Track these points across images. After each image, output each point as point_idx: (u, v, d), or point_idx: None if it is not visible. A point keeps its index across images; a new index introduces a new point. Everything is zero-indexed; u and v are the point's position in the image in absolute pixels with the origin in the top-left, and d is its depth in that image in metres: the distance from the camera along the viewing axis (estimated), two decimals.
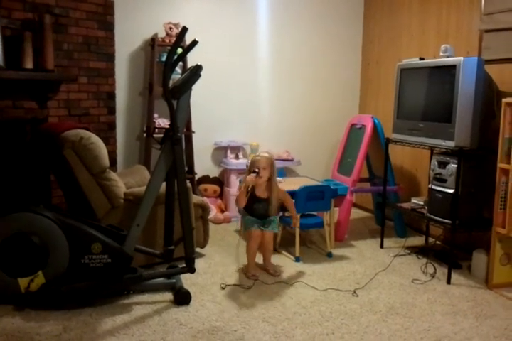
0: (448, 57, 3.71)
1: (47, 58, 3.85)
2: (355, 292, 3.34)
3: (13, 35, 3.78)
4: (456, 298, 3.28)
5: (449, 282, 3.52)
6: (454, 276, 3.58)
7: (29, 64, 3.78)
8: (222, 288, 3.36)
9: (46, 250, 2.95)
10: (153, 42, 4.67)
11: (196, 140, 4.94)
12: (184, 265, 3.22)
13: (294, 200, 3.77)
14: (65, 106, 4.22)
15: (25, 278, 2.94)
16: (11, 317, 2.86)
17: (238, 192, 3.56)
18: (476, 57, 3.55)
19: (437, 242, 4.23)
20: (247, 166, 3.79)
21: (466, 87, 3.46)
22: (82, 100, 4.33)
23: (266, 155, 3.53)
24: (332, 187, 4.07)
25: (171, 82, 3.19)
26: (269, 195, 3.56)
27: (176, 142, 3.04)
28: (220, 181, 5.21)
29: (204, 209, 3.90)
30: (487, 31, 3.84)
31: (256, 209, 3.58)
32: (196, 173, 5.01)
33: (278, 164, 3.99)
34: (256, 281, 3.47)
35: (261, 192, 3.55)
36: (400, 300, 3.24)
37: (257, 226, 3.56)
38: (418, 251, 4.13)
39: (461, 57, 3.49)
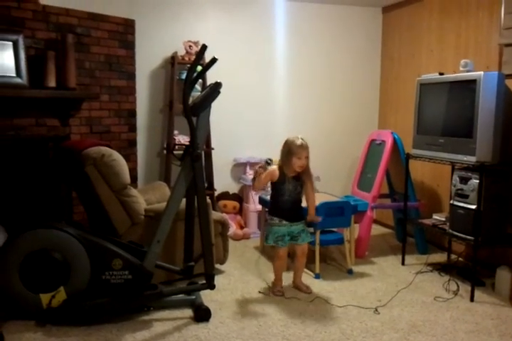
0: (468, 71, 3.69)
1: (69, 77, 3.92)
2: (376, 309, 3.29)
3: (36, 55, 3.87)
4: (480, 316, 3.22)
5: (472, 299, 3.46)
6: (478, 294, 3.52)
7: (52, 82, 3.86)
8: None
9: (68, 266, 2.98)
10: (173, 60, 4.73)
11: (216, 156, 4.96)
12: (204, 281, 3.21)
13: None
14: (87, 124, 4.28)
15: (47, 294, 2.96)
16: (33, 332, 2.88)
17: (257, 175, 3.48)
18: (497, 72, 3.53)
19: (460, 259, 4.17)
20: (267, 162, 3.71)
21: (486, 101, 3.44)
22: (103, 118, 4.39)
23: (306, 142, 3.42)
24: (352, 203, 4.05)
25: (190, 99, 3.21)
26: (300, 173, 3.45)
27: (196, 159, 3.06)
28: (240, 197, 5.21)
29: (224, 225, 3.91)
30: (507, 45, 3.82)
31: (284, 195, 3.42)
32: (216, 189, 5.02)
33: None
34: (279, 297, 3.47)
35: (292, 171, 3.44)
36: (422, 317, 3.19)
37: (281, 243, 3.46)
38: (440, 268, 4.07)
39: (481, 72, 3.47)
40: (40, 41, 3.92)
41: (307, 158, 3.42)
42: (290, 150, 3.40)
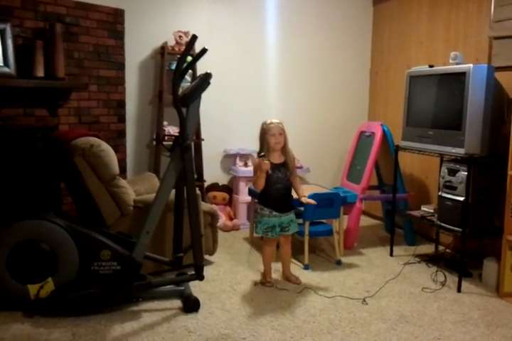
0: (457, 64, 3.70)
1: (57, 66, 3.88)
2: (364, 300, 3.32)
3: (24, 44, 3.83)
4: (467, 307, 3.25)
5: (459, 290, 3.50)
6: (465, 285, 3.55)
7: (40, 72, 3.82)
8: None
9: (56, 257, 2.97)
10: (162, 51, 4.70)
11: (205, 148, 4.95)
12: (193, 272, 3.22)
13: (302, 207, 3.77)
14: (76, 114, 4.24)
15: (34, 284, 2.95)
16: (21, 323, 2.87)
17: (255, 176, 3.45)
18: (486, 65, 3.54)
19: (447, 250, 4.20)
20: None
21: (475, 94, 3.46)
22: (92, 108, 4.36)
23: (277, 121, 3.44)
24: (341, 194, 4.06)
25: (180, 90, 3.20)
26: (285, 158, 3.48)
27: (186, 149, 3.05)
28: (229, 188, 5.21)
29: (213, 216, 3.91)
30: (496, 38, 3.84)
31: (275, 183, 3.41)
32: (205, 181, 5.02)
33: None
34: (269, 288, 3.49)
35: (277, 158, 3.46)
36: (410, 308, 3.21)
37: (271, 234, 3.45)
38: (428, 259, 4.10)
39: (471, 64, 3.49)
40: (28, 30, 3.87)
41: (281, 135, 3.41)
42: (264, 130, 3.43)
